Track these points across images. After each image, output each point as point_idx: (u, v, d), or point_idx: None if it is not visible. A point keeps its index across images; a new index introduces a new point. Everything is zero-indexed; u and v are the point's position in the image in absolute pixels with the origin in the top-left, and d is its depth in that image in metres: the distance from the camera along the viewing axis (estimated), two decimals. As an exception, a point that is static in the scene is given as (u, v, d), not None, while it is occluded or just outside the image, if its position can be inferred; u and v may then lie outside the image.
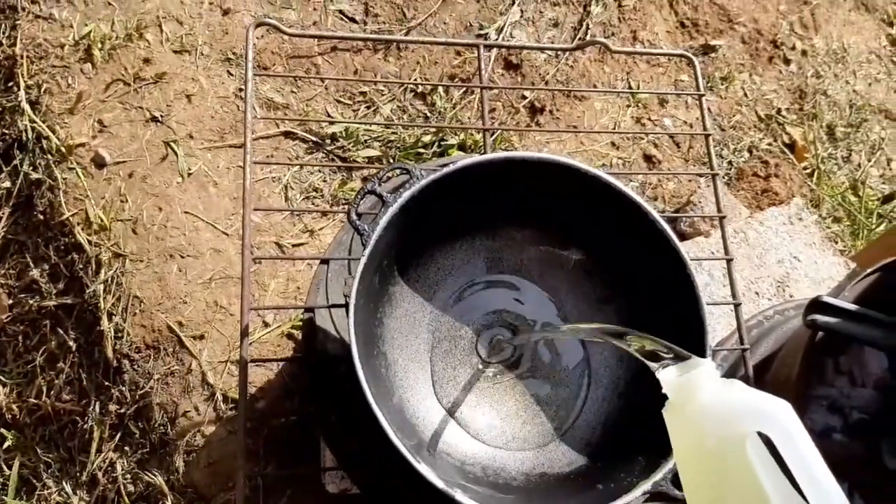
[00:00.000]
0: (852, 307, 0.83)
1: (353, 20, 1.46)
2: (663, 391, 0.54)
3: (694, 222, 1.38)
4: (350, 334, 0.62)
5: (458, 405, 0.75)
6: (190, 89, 1.36)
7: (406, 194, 0.67)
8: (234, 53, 1.40)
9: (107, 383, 1.19)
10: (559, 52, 1.53)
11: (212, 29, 1.41)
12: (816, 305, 0.83)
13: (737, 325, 0.83)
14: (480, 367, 0.78)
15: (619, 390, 0.76)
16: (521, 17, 1.53)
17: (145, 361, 1.20)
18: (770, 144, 1.66)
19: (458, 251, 0.80)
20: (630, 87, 1.60)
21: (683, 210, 1.44)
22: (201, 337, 1.19)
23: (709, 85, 1.68)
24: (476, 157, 0.71)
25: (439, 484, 0.59)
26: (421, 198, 0.68)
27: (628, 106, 1.59)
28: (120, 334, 1.19)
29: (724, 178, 1.56)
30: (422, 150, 1.38)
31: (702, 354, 0.65)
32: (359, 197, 0.68)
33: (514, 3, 1.52)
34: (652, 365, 0.56)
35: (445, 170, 0.69)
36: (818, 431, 0.99)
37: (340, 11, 1.46)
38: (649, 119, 1.59)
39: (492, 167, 0.71)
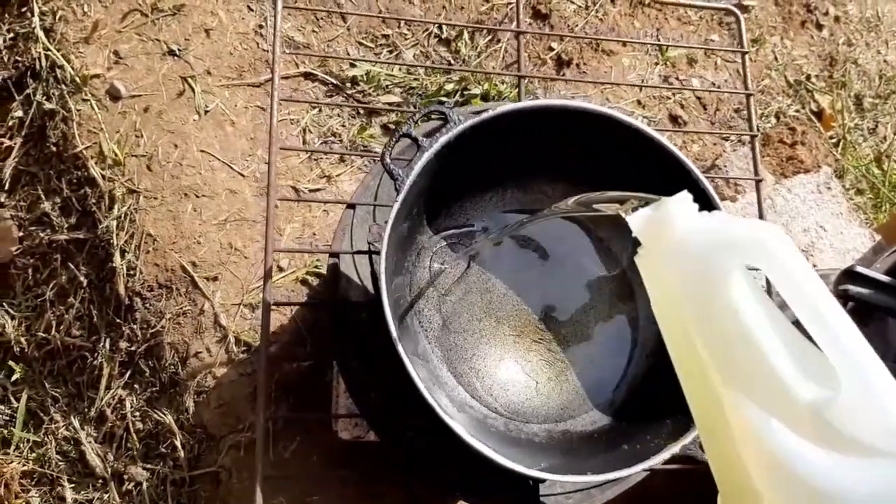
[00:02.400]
0: (885, 279, 0.82)
1: (378, -41, 1.40)
2: (633, 235, 0.46)
3: (718, 186, 1.35)
4: (381, 283, 0.60)
5: (482, 358, 0.74)
6: (209, 23, 1.31)
7: (443, 139, 0.64)
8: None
9: (118, 320, 1.18)
10: (591, 2, 1.48)
11: (232, -40, 1.35)
12: (850, 275, 0.82)
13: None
14: (508, 319, 0.76)
15: (647, 351, 0.75)
16: (552, -36, 1.47)
17: (157, 300, 1.18)
18: (798, 111, 1.62)
19: (488, 202, 0.78)
20: (659, 48, 1.55)
21: (710, 172, 1.41)
22: (215, 278, 1.18)
23: (740, 46, 1.63)
24: (515, 104, 0.68)
25: (467, 437, 0.58)
26: (457, 144, 0.66)
27: (656, 64, 1.54)
28: (132, 272, 1.18)
29: (748, 142, 1.52)
30: (444, 99, 1.35)
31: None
32: (393, 140, 0.66)
33: (545, -51, 1.46)
34: (621, 211, 0.48)
35: (484, 115, 0.66)
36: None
37: (366, -51, 1.40)
38: (677, 78, 1.55)
39: (531, 115, 0.69)
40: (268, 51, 1.30)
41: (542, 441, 0.69)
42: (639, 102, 1.50)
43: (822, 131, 1.62)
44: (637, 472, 0.60)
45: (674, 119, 1.50)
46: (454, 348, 0.73)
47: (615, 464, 0.60)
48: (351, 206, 0.78)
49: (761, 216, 0.85)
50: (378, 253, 0.61)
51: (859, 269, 0.82)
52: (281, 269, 1.19)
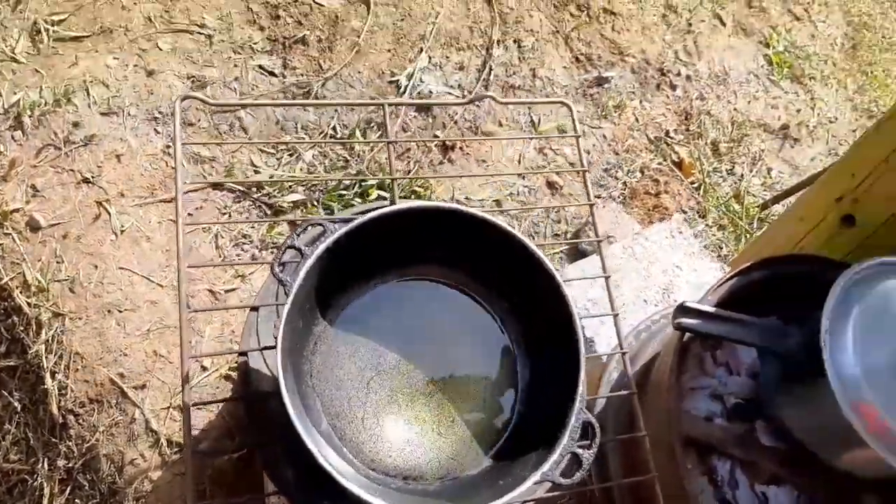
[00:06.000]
0: (710, 309, 0.98)
1: (272, 74, 1.56)
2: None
3: (592, 241, 1.53)
4: (279, 376, 0.72)
5: (380, 426, 0.86)
6: (119, 149, 1.43)
7: (322, 247, 0.78)
8: (160, 112, 1.49)
9: (53, 440, 1.24)
10: (467, 92, 1.67)
11: (137, 90, 1.48)
12: (682, 309, 0.98)
13: (616, 333, 0.97)
14: (400, 388, 0.89)
15: (523, 396, 0.89)
16: (430, 62, 1.66)
17: (90, 415, 1.25)
18: (660, 164, 1.84)
19: (373, 289, 0.91)
20: (532, 121, 1.75)
21: (583, 229, 1.59)
22: (143, 386, 1.26)
23: (603, 114, 1.85)
24: (379, 212, 0.82)
25: (365, 496, 0.69)
26: (335, 248, 0.79)
27: (531, 138, 1.74)
28: (64, 391, 1.25)
29: (619, 198, 1.72)
30: (343, 192, 1.49)
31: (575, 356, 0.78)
32: (280, 252, 0.79)
33: (422, 50, 1.66)
34: None
35: (355, 223, 0.80)
36: (703, 417, 1.14)
37: (260, 66, 1.56)
38: (550, 149, 1.75)
39: (395, 217, 0.83)
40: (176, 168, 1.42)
41: (436, 489, 0.81)
42: (519, 174, 1.68)
43: (683, 179, 1.84)
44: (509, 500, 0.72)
45: (550, 185, 1.69)
46: (354, 421, 0.85)
47: (491, 498, 0.72)
48: (255, 308, 0.90)
49: (604, 269, 1.00)
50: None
51: (688, 303, 0.98)
52: (205, 369, 1.28)
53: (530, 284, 0.86)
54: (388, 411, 0.87)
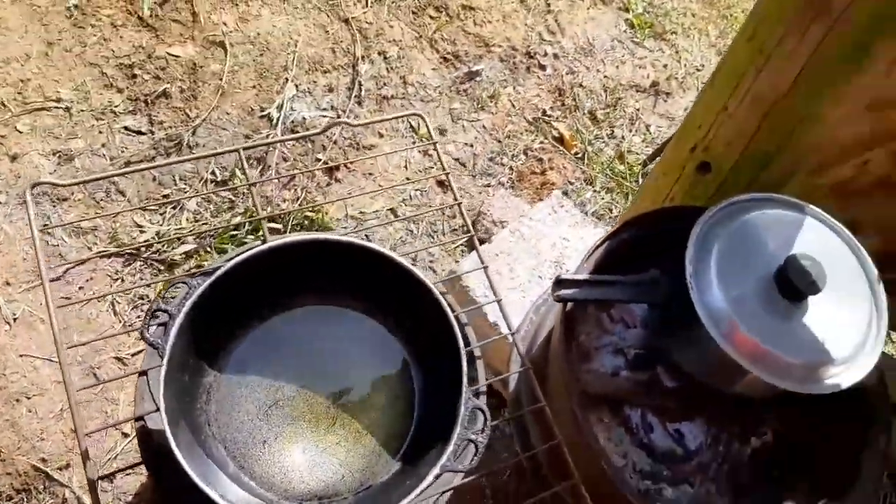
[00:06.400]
0: (583, 277, 1.04)
1: (139, 133, 1.56)
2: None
3: (486, 228, 1.58)
4: (168, 437, 0.74)
5: (289, 454, 0.89)
6: (-5, 238, 1.41)
7: (187, 305, 0.80)
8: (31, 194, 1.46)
9: (-14, 539, 1.22)
10: (341, 110, 1.70)
11: (4, 177, 1.46)
12: (558, 282, 1.03)
13: (503, 316, 1.02)
14: (302, 415, 0.91)
15: (417, 405, 0.93)
16: (298, 90, 1.68)
17: (20, 506, 1.24)
18: (542, 142, 1.91)
19: (255, 330, 0.94)
20: (412, 127, 1.80)
21: (478, 219, 1.65)
22: (66, 466, 1.25)
23: (479, 106, 1.91)
24: (232, 261, 0.84)
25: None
26: (203, 302, 0.82)
27: (414, 142, 1.79)
28: (-15, 490, 1.23)
29: (507, 183, 1.78)
30: (235, 233, 1.50)
31: (457, 359, 0.83)
32: (147, 317, 0.80)
33: (287, 80, 1.68)
34: None
35: (213, 276, 0.82)
36: (610, 373, 1.20)
37: (126, 127, 1.56)
38: (434, 150, 1.79)
39: (253, 261, 0.85)
40: (58, 244, 1.41)
41: (350, 501, 0.85)
42: (408, 178, 1.73)
43: (566, 152, 1.91)
44: (415, 497, 0.76)
45: (440, 183, 1.74)
46: (261, 457, 0.87)
47: (399, 499, 0.76)
48: (143, 373, 0.91)
49: (481, 262, 1.05)
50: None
51: (563, 275, 1.03)
52: (126, 435, 1.28)
53: (410, 298, 0.90)
54: (293, 440, 0.90)
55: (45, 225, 1.43)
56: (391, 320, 0.98)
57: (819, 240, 1.05)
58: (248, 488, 0.84)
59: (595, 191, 1.82)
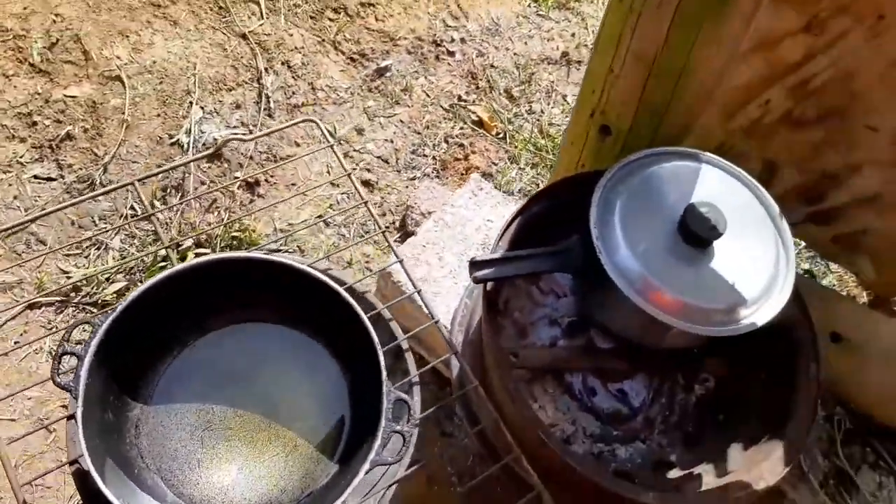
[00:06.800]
0: (495, 255, 1.06)
1: (50, 179, 1.54)
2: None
3: (416, 221, 1.60)
4: (94, 477, 0.74)
5: (227, 474, 0.90)
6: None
7: (93, 345, 0.80)
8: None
9: None
10: (252, 126, 1.70)
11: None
12: (473, 264, 1.06)
13: (424, 304, 1.04)
14: (236, 434, 0.93)
15: (348, 403, 0.95)
16: (204, 112, 1.67)
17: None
18: (462, 128, 1.93)
19: (176, 358, 0.94)
20: (329, 132, 1.80)
21: (408, 213, 1.66)
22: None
23: (394, 101, 1.92)
24: (134, 294, 0.84)
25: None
26: (110, 339, 0.82)
27: (331, 145, 1.79)
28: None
29: (432, 173, 1.80)
30: (163, 263, 1.50)
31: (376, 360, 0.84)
32: (56, 361, 0.81)
33: (191, 103, 1.67)
34: None
35: (116, 311, 0.83)
36: (548, 344, 1.23)
37: (35, 176, 1.53)
38: (355, 150, 1.80)
39: (154, 290, 0.86)
40: (-17, 303, 1.39)
41: (294, 512, 0.86)
42: (332, 184, 1.73)
43: (487, 134, 1.94)
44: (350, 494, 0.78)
45: (366, 183, 1.75)
46: (199, 482, 0.88)
47: (335, 498, 0.78)
48: (70, 416, 0.91)
49: (396, 256, 1.07)
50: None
51: (477, 257, 1.05)
52: (78, 483, 1.27)
53: (326, 304, 0.91)
54: (230, 459, 0.91)
55: (-34, 286, 1.41)
56: (313, 327, 0.99)
57: (718, 186, 1.07)
58: (190, 514, 0.85)
59: (520, 168, 1.85)
